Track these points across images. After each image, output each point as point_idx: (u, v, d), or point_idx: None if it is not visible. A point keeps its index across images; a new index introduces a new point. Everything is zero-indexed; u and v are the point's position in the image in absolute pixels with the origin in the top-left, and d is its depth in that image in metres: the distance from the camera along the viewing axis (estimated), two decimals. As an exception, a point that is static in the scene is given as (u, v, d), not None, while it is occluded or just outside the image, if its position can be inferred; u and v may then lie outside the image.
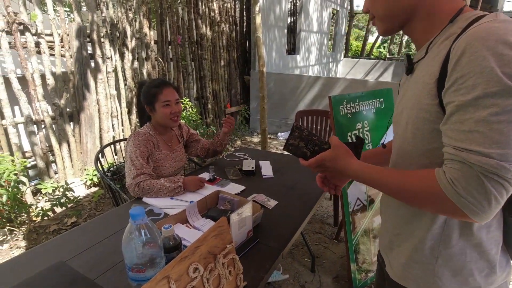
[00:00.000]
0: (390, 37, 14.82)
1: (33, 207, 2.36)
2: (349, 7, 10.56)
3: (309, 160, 0.73)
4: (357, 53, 15.15)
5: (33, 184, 2.83)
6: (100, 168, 1.85)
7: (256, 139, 4.96)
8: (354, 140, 0.77)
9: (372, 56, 13.23)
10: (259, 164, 1.84)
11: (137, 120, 3.53)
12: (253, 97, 5.30)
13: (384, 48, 20.35)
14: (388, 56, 12.36)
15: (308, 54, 7.53)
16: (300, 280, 1.96)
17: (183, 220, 1.20)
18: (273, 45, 5.65)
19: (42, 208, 2.28)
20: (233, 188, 1.55)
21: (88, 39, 2.97)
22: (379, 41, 14.96)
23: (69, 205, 2.56)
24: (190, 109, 3.47)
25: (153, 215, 1.31)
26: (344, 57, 11.06)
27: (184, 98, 3.74)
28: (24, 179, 2.28)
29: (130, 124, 3.55)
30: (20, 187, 2.20)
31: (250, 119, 5.39)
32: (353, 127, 1.80)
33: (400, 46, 13.24)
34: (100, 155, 2.52)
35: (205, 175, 1.67)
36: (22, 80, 2.61)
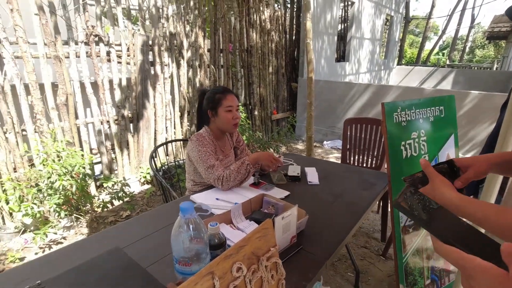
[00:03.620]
0: (451, 43, 13.65)
1: (96, 198, 2.61)
2: (404, 12, 9.99)
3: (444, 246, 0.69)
4: (412, 60, 14.22)
5: (97, 178, 3.14)
6: (154, 167, 1.99)
7: (301, 146, 4.90)
8: (445, 165, 0.71)
9: (429, 63, 12.29)
10: (304, 171, 1.81)
11: (193, 124, 3.76)
12: (299, 104, 5.27)
13: (443, 55, 18.86)
14: (448, 63, 11.37)
15: (358, 61, 7.28)
16: (342, 295, 1.87)
17: (227, 220, 1.23)
18: (322, 52, 5.58)
19: (103, 200, 2.52)
20: (278, 193, 1.55)
21: (150, 48, 3.24)
22: (437, 48, 13.87)
23: (125, 199, 2.79)
24: (241, 113, 3.58)
25: (201, 211, 1.37)
26: (397, 64, 10.46)
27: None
28: (90, 173, 2.55)
29: (182, 127, 3.77)
30: (87, 180, 2.46)
31: (296, 126, 5.36)
32: (407, 136, 1.69)
33: (462, 53, 12.10)
34: (153, 154, 2.75)
35: (250, 179, 1.70)
36: (93, 85, 2.94)
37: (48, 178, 2.23)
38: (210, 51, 3.91)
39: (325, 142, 4.92)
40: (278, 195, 1.53)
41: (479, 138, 3.70)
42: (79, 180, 2.27)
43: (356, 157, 2.75)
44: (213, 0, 3.80)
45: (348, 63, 6.82)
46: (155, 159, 2.01)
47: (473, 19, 10.76)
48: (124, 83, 3.12)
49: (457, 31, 10.81)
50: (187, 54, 3.58)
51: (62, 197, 2.22)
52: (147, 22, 3.22)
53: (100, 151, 3.09)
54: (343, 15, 6.53)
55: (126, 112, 3.19)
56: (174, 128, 3.71)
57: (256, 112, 4.68)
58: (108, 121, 3.08)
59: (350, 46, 6.78)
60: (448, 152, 1.87)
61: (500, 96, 3.65)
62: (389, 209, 2.31)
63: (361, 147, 2.73)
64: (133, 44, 3.07)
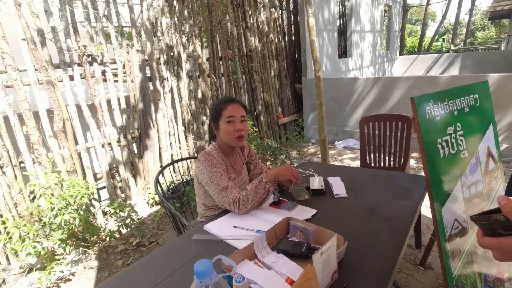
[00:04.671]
0: (452, 28, 13.35)
1: (103, 228, 2.45)
2: (402, 1, 9.78)
3: (483, 239, 0.49)
4: (413, 49, 13.93)
5: (103, 205, 2.98)
6: (160, 191, 1.81)
7: (312, 149, 4.70)
8: None
9: (431, 51, 12.00)
10: (327, 181, 1.62)
11: (199, 138, 3.59)
12: (306, 106, 5.07)
13: (443, 41, 18.53)
14: (452, 48, 11.08)
15: (360, 55, 7.07)
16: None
17: (251, 256, 1.04)
18: (324, 50, 5.40)
19: (109, 230, 2.34)
20: (303, 212, 1.36)
21: (147, 63, 3.10)
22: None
23: (136, 222, 2.62)
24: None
25: (220, 267, 1.18)
26: (400, 54, 10.21)
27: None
28: (95, 201, 2.39)
29: (187, 141, 3.61)
30: (92, 209, 2.29)
31: (304, 128, 5.16)
32: (443, 132, 1.48)
33: (465, 36, 11.81)
34: (159, 179, 2.57)
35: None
36: (91, 107, 2.79)
37: (52, 211, 2.07)
38: (209, 60, 3.75)
39: (336, 142, 4.70)
40: (303, 215, 1.34)
41: (508, 123, 3.45)
42: (82, 212, 2.10)
43: (377, 158, 2.54)
44: (207, 8, 3.65)
45: (351, 59, 6.62)
46: (161, 178, 1.84)
47: (473, 1, 10.51)
48: (123, 102, 2.97)
49: (457, 15, 10.55)
50: (185, 65, 3.43)
51: (65, 232, 2.05)
52: (142, 37, 3.08)
53: (105, 176, 2.93)
54: (341, 9, 6.35)
55: (128, 132, 3.04)
56: (179, 143, 3.55)
57: (262, 118, 4.50)
58: (110, 144, 2.93)
59: (351, 41, 6.58)
60: (488, 144, 1.66)
61: (522, 76, 3.41)
62: (421, 212, 2.09)
63: (381, 147, 2.52)
64: (129, 61, 2.93)
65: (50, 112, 2.53)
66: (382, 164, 2.55)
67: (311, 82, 4.77)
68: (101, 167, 2.91)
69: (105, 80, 2.83)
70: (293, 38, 5.06)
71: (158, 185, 1.84)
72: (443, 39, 19.50)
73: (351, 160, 4.06)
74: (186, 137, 3.61)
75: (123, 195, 3.12)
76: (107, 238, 2.37)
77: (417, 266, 2.03)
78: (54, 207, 2.01)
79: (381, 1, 7.91)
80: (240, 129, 1.44)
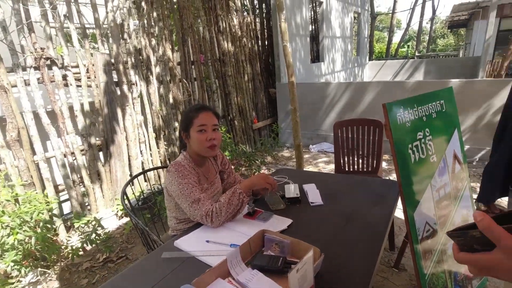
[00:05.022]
0: (416, 35, 14.16)
1: (65, 245, 2.25)
2: (370, 9, 10.20)
3: (459, 254, 0.47)
4: (381, 55, 14.58)
5: (65, 218, 2.77)
6: (128, 203, 1.70)
7: (287, 153, 4.70)
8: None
9: (398, 56, 12.63)
10: (303, 189, 1.59)
11: (171, 144, 3.45)
12: (280, 110, 5.08)
13: (408, 47, 19.59)
14: (417, 54, 11.71)
15: (332, 60, 7.25)
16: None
17: (224, 273, 0.98)
18: (297, 54, 5.46)
19: (72, 247, 2.16)
20: (278, 222, 1.31)
21: (113, 67, 2.93)
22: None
23: (102, 238, 2.44)
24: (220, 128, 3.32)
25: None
26: (369, 60, 10.62)
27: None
28: (56, 216, 2.19)
29: (158, 148, 3.46)
30: (52, 225, 2.10)
31: (279, 132, 5.16)
32: (413, 137, 1.51)
33: (428, 43, 12.55)
34: (129, 186, 2.40)
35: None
36: (51, 114, 2.59)
37: (4, 230, 1.87)
38: (180, 64, 3.64)
39: (311, 146, 4.75)
40: (279, 225, 1.29)
41: (469, 126, 3.66)
42: (39, 230, 1.91)
43: (351, 162, 2.57)
44: (178, 10, 3.55)
45: (323, 63, 6.76)
46: (132, 187, 1.72)
47: (434, 10, 11.19)
48: (87, 108, 2.78)
49: (420, 23, 11.19)
50: (155, 69, 3.30)
51: (20, 252, 1.86)
52: (108, 39, 2.92)
53: (67, 186, 2.72)
54: (312, 15, 6.47)
55: (94, 140, 2.85)
56: (150, 150, 3.39)
57: (236, 123, 4.44)
58: (73, 153, 2.73)
59: (323, 46, 6.73)
60: (454, 148, 1.72)
61: (479, 82, 3.64)
62: (395, 214, 2.13)
63: (354, 151, 2.55)
64: (93, 65, 2.75)
65: (2, 120, 2.31)
66: (356, 167, 2.58)
67: (285, 87, 4.78)
68: (63, 178, 2.70)
69: (66, 85, 2.64)
70: (266, 42, 5.07)
71: (126, 198, 1.72)
72: (408, 45, 20.60)
73: (325, 164, 4.11)
74: (157, 144, 3.46)
75: (88, 208, 2.92)
76: (70, 256, 2.18)
77: (391, 268, 2.06)
78: (7, 226, 1.81)
79: (350, 9, 8.19)
80: (212, 138, 1.38)
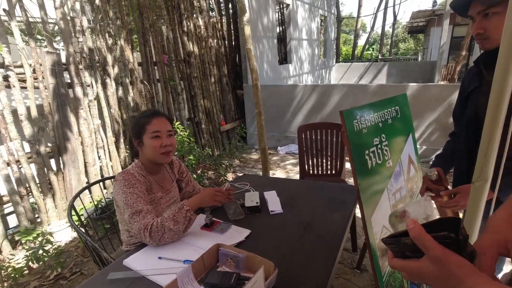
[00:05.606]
0: (380, 39, 14.88)
1: (7, 264, 2.04)
2: (336, 13, 10.51)
3: (393, 260, 0.47)
4: (348, 57, 15.13)
5: (12, 233, 2.52)
6: (77, 218, 1.56)
7: (255, 155, 4.68)
8: (450, 233, 0.42)
9: (363, 59, 13.16)
10: (264, 197, 1.56)
11: (126, 150, 3.28)
12: (247, 112, 5.06)
13: (373, 50, 20.52)
14: (380, 57, 12.28)
15: (300, 62, 7.36)
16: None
17: (174, 295, 0.91)
18: (264, 56, 5.46)
19: (14, 267, 1.96)
20: (237, 233, 1.27)
21: (64, 68, 2.72)
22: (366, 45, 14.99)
23: (51, 255, 2.24)
24: (182, 133, 3.20)
25: None
26: (336, 62, 10.95)
27: (175, 121, 3.48)
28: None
29: (118, 154, 3.27)
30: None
31: (246, 134, 5.13)
32: (370, 143, 1.53)
33: (390, 47, 13.21)
34: (87, 192, 2.16)
35: (200, 218, 1.38)
36: (-9, 118, 2.34)
37: None
38: (142, 65, 3.47)
39: (279, 148, 4.77)
40: (237, 236, 1.25)
41: (425, 128, 3.86)
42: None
43: (315, 165, 2.60)
44: (138, 9, 3.38)
45: (291, 65, 6.84)
46: (89, 196, 1.58)
47: (395, 16, 11.80)
48: (34, 112, 2.55)
49: (383, 27, 11.73)
50: (113, 70, 3.11)
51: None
52: (57, 38, 2.70)
53: (12, 199, 2.48)
54: (279, 17, 6.52)
55: (43, 147, 2.62)
56: (110, 156, 3.20)
57: (203, 126, 4.34)
58: (18, 161, 2.48)
59: (291, 48, 6.81)
60: (409, 152, 1.78)
61: (434, 87, 3.86)
62: (356, 215, 2.18)
63: (318, 154, 2.58)
64: (40, 64, 2.53)
65: None
66: (320, 171, 2.61)
67: (252, 89, 4.76)
68: (8, 189, 2.45)
69: (8, 87, 2.40)
70: (233, 43, 5.01)
71: (75, 213, 1.58)
72: (373, 48, 21.57)
73: (293, 166, 4.14)
74: (118, 149, 3.27)
75: (39, 220, 2.68)
76: (13, 276, 1.98)
77: (354, 270, 2.10)
78: None
79: (317, 12, 8.37)
80: (167, 145, 1.31)
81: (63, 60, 2.75)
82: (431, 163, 4.11)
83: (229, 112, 4.94)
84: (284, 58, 6.86)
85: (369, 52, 17.83)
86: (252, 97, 4.88)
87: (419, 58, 12.11)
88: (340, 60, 12.27)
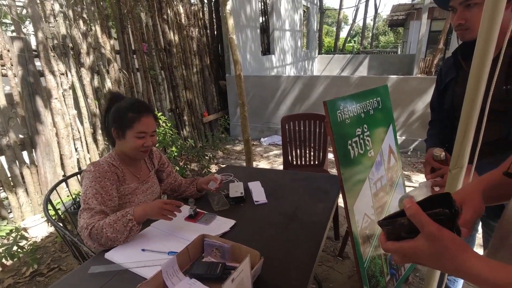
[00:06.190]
0: (361, 31, 15.09)
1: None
2: (319, 4, 10.51)
3: (386, 243, 0.49)
4: (330, 49, 15.24)
5: (-19, 229, 2.38)
6: (54, 212, 1.50)
7: (238, 147, 4.67)
8: (445, 209, 0.45)
9: (345, 51, 13.31)
10: (248, 187, 1.56)
11: (105, 141, 3.16)
12: (230, 103, 5.01)
13: (355, 42, 20.80)
14: (361, 49, 12.47)
15: (283, 53, 7.34)
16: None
17: (160, 286, 0.90)
18: (247, 47, 5.40)
19: (-14, 265, 1.86)
20: (221, 224, 1.26)
21: (35, 54, 2.56)
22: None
23: (26, 251, 2.15)
24: (164, 124, 3.13)
25: None
26: (318, 53, 11.01)
27: (157, 112, 3.39)
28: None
29: (97, 146, 3.16)
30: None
31: (230, 125, 5.09)
32: (352, 134, 1.56)
33: (372, 40, 13.42)
34: (64, 185, 2.06)
35: (185, 209, 1.36)
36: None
37: None
38: (120, 53, 3.34)
39: (262, 139, 4.77)
40: (222, 227, 1.24)
41: (404, 119, 3.97)
42: None
43: (299, 156, 2.62)
44: (115, -7, 3.22)
45: (274, 56, 6.81)
46: (66, 190, 1.51)
47: (376, 9, 11.96)
48: (3, 101, 2.40)
49: (364, 20, 11.88)
50: (89, 58, 2.97)
51: None
52: (26, 22, 2.53)
53: (-19, 194, 2.34)
54: (262, 7, 6.44)
55: (12, 139, 2.48)
56: (87, 147, 3.08)
57: (185, 117, 4.26)
58: (-13, 154, 2.34)
59: (274, 38, 6.76)
60: (389, 143, 1.83)
61: (413, 79, 3.96)
62: (339, 204, 2.23)
63: (301, 145, 2.60)
64: (8, 50, 2.37)
65: None
66: (303, 161, 2.64)
67: (234, 79, 4.72)
68: (-24, 183, 2.31)
69: (-26, 74, 2.24)
70: (215, 33, 4.90)
71: (52, 207, 1.51)
72: (354, 40, 21.85)
73: (276, 157, 4.16)
74: (95, 140, 3.15)
75: (11, 216, 2.56)
76: (-15, 274, 1.88)
77: (336, 257, 2.15)
78: None
79: (300, 3, 8.34)
80: (148, 145, 1.28)
81: (34, 47, 2.59)
82: (409, 153, 4.22)
83: (211, 103, 4.87)
84: (267, 48, 6.81)
85: (351, 44, 18.05)
86: (235, 88, 4.83)
87: (399, 51, 12.42)
88: (323, 51, 12.35)
